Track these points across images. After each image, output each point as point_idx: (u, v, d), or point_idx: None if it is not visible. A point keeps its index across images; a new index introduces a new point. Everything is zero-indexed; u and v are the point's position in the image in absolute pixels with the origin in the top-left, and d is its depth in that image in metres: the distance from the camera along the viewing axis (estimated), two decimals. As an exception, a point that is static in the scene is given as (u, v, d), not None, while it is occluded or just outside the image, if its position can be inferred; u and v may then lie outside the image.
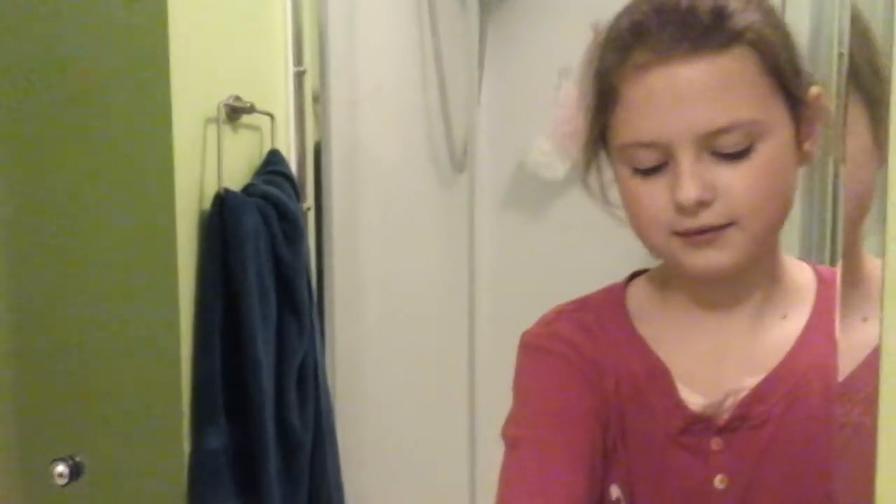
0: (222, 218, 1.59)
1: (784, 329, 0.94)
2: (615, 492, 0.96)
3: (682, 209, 0.86)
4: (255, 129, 1.72)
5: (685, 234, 0.88)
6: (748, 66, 0.84)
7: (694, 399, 0.94)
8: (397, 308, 2.13)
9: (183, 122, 1.50)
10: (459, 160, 2.34)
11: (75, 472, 1.50)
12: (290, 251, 1.70)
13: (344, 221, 1.91)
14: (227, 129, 1.63)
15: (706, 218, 0.86)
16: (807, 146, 0.89)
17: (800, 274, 0.98)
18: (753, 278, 0.94)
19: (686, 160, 0.85)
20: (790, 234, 1.24)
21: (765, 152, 0.85)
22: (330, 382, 1.83)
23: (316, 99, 1.86)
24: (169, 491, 1.57)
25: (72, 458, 1.50)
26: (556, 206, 2.35)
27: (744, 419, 0.92)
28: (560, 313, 1.04)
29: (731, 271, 0.89)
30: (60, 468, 1.49)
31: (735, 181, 0.85)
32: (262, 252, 1.64)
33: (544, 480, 0.93)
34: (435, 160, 2.28)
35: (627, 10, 0.89)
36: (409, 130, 2.19)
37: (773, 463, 0.91)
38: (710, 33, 0.84)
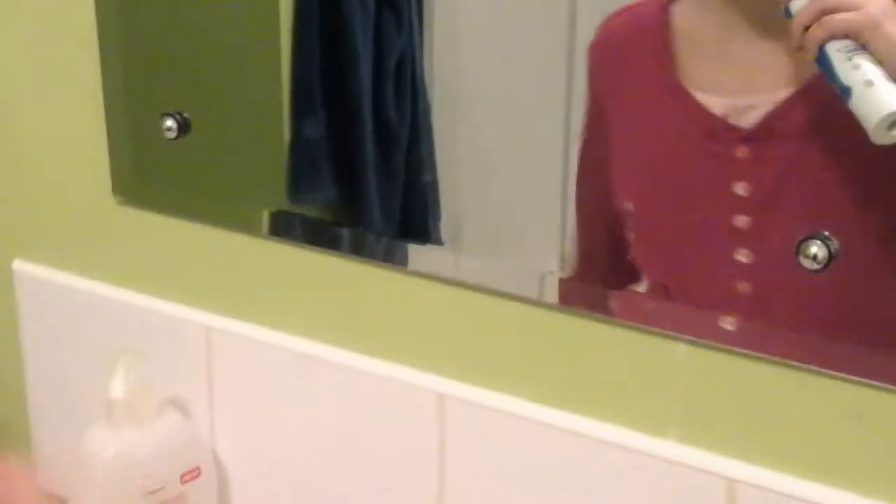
0: None
1: None
2: (630, 205, 0.98)
3: None
4: None
5: None
6: None
7: (717, 102, 0.92)
8: (497, 10, 2.09)
9: None
10: None
11: (183, 127, 1.55)
12: (392, -60, 1.66)
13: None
14: None
15: None
16: None
17: None
18: None
19: None
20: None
21: None
22: (427, 80, 1.82)
23: None
24: (271, 170, 1.62)
25: (180, 113, 1.54)
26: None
27: (771, 129, 0.89)
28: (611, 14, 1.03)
29: None
30: (169, 122, 1.57)
31: None
32: (363, -59, 1.60)
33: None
34: None
35: None
36: None
37: (799, 178, 0.89)
38: None
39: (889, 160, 0.81)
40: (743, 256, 0.92)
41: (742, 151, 0.90)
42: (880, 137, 0.74)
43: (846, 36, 0.76)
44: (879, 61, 0.75)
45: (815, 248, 0.85)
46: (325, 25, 1.61)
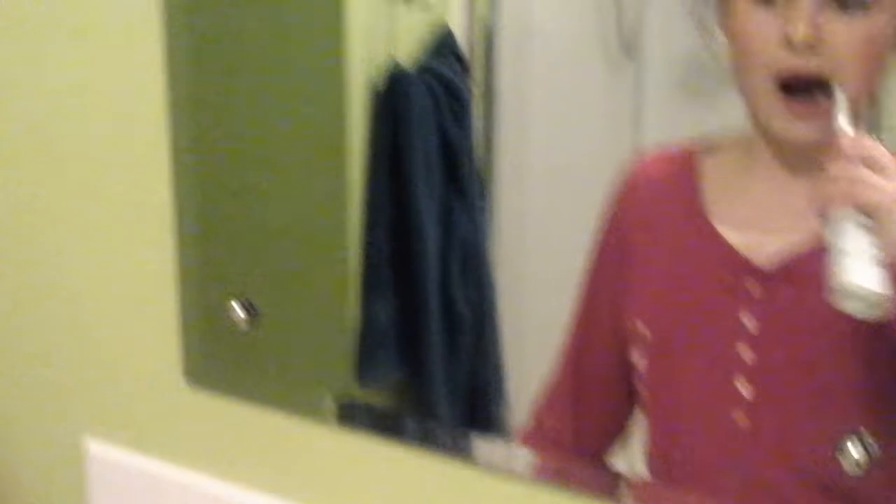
0: (392, 94, 1.61)
1: None
2: (640, 326, 1.01)
3: (790, 43, 0.88)
4: (429, 7, 1.72)
5: (787, 87, 0.89)
6: None
7: (737, 238, 0.97)
8: (561, 194, 2.12)
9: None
10: (629, 45, 2.29)
11: (252, 313, 1.62)
12: (458, 130, 1.71)
13: (512, 103, 1.89)
14: (401, 4, 1.63)
15: (813, 62, 0.88)
16: None
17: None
18: None
19: None
20: None
21: (881, 19, 0.86)
22: (494, 266, 1.85)
23: (491, -20, 1.83)
24: (338, 355, 1.64)
25: (249, 300, 1.62)
26: (727, 97, 2.27)
27: (789, 273, 0.92)
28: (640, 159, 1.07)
29: (814, 144, 0.90)
30: (239, 309, 1.61)
31: (848, 34, 0.86)
32: (430, 131, 1.66)
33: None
34: (605, 44, 2.23)
35: None
36: (580, 13, 2.14)
37: (805, 321, 0.91)
38: None
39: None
40: (741, 385, 0.95)
41: (752, 284, 0.94)
42: (838, 300, 0.77)
43: (857, 209, 0.79)
44: (880, 241, 0.76)
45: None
46: (393, 211, 1.64)
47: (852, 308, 0.77)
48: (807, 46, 0.86)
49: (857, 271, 0.77)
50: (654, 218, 1.04)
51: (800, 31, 0.85)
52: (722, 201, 1.00)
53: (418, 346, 1.69)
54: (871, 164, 0.80)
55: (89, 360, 1.75)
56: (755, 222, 0.97)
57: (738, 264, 0.95)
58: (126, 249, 1.69)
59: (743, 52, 0.91)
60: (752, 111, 0.94)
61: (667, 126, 2.42)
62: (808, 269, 0.91)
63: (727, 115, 2.27)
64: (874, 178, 0.79)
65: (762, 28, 0.89)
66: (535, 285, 2.05)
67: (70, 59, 1.65)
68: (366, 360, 1.65)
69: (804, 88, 0.89)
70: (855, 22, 0.86)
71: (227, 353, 1.65)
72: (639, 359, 1.02)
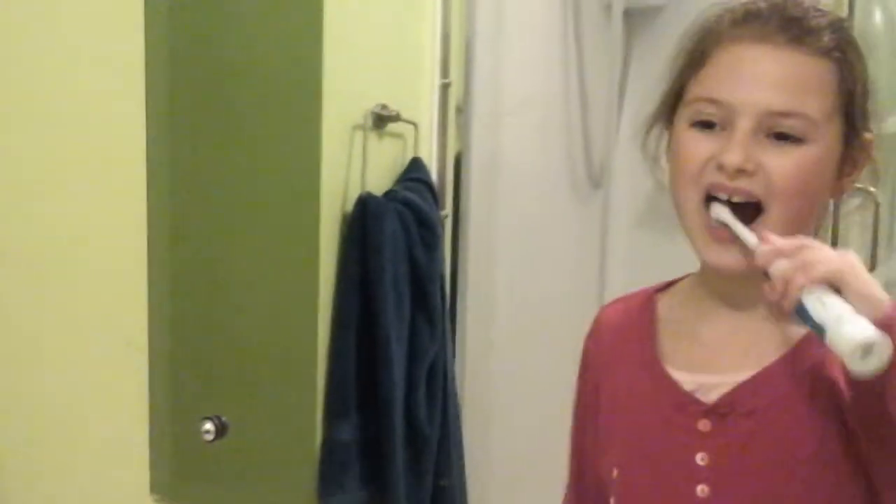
0: (363, 221, 1.67)
1: (790, 332, 0.96)
2: (615, 471, 1.03)
3: (723, 169, 0.93)
4: (398, 137, 1.79)
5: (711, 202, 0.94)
6: (827, 79, 0.93)
7: (687, 379, 0.99)
8: (528, 319, 2.16)
9: (331, 127, 1.60)
10: (597, 176, 2.37)
11: (221, 430, 1.63)
12: (427, 256, 1.77)
13: (480, 230, 1.97)
14: (372, 135, 1.71)
15: (742, 183, 0.93)
16: (844, 181, 0.97)
17: None
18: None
19: (743, 128, 0.92)
20: None
21: (812, 152, 0.92)
22: (458, 385, 1.89)
23: (459, 110, 1.92)
24: (302, 472, 1.66)
25: (219, 417, 1.64)
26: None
27: (732, 406, 0.96)
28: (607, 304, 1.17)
29: (743, 273, 0.94)
30: (208, 425, 1.64)
31: (779, 162, 0.91)
32: (400, 256, 1.71)
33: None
34: (573, 175, 2.31)
35: (744, 2, 1.00)
36: (548, 145, 2.23)
37: (753, 454, 0.94)
38: (810, 38, 0.93)
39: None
40: None
41: (703, 424, 0.96)
42: (857, 367, 0.80)
43: (823, 282, 0.82)
44: (854, 301, 0.81)
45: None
46: (362, 332, 1.68)
47: (872, 365, 0.79)
48: (739, 172, 0.92)
49: (854, 331, 0.80)
50: (616, 364, 1.10)
51: (734, 157, 0.91)
52: (674, 344, 1.04)
53: (382, 466, 1.71)
54: (805, 248, 0.86)
55: (58, 479, 1.75)
56: (705, 363, 1.01)
57: (690, 405, 0.99)
58: (102, 368, 1.72)
59: (680, 172, 0.98)
60: (693, 246, 1.00)
61: (632, 255, 2.49)
62: (753, 400, 0.95)
63: (689, 246, 2.35)
64: (817, 254, 0.85)
65: (700, 150, 0.96)
66: (500, 408, 2.09)
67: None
68: (328, 478, 1.67)
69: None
70: (788, 153, 0.92)
71: (193, 468, 1.67)
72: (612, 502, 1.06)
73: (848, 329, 0.79)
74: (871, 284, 0.83)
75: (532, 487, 2.11)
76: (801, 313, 0.83)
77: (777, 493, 0.94)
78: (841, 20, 0.98)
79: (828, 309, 0.82)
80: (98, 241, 1.69)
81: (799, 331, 0.95)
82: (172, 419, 1.65)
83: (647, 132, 1.06)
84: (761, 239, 0.89)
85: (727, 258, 0.95)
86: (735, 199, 0.93)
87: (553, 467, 2.25)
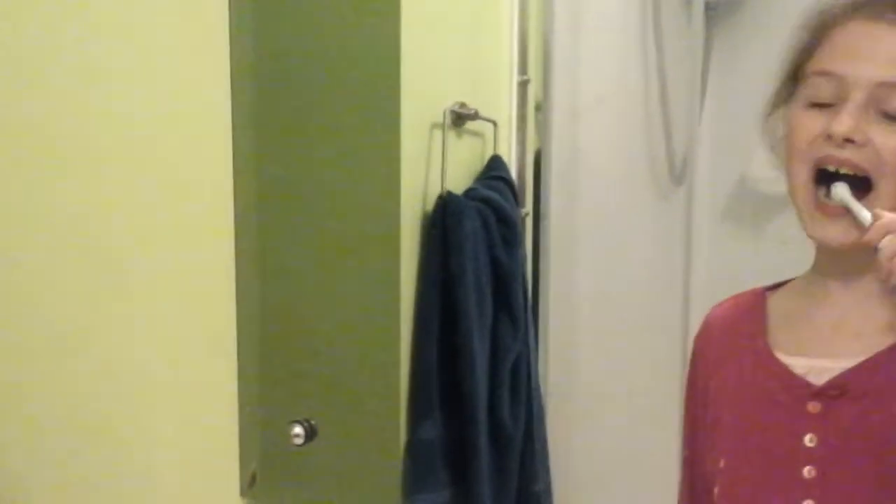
0: (444, 220, 1.67)
1: None
2: (722, 461, 1.03)
3: (831, 137, 0.94)
4: (477, 135, 1.79)
5: (820, 180, 0.95)
6: None
7: (799, 363, 0.99)
8: (610, 316, 2.15)
9: (410, 127, 1.59)
10: (678, 172, 2.33)
11: (310, 433, 1.65)
12: (508, 254, 1.76)
13: (561, 228, 1.95)
14: (451, 134, 1.71)
15: (850, 153, 0.94)
16: None
17: None
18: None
19: (855, 100, 0.93)
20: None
21: None
22: (541, 384, 1.87)
23: (538, 107, 1.91)
24: (388, 473, 1.66)
25: (308, 420, 1.65)
26: (776, 222, 2.29)
27: (843, 389, 0.95)
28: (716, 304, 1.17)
29: (851, 246, 0.95)
30: (298, 429, 1.64)
31: (889, 139, 0.92)
32: (481, 254, 1.71)
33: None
34: (654, 171, 2.29)
35: None
36: (629, 140, 2.20)
37: (864, 437, 0.94)
38: None
39: None
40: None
41: (813, 406, 0.97)
42: None
43: None
44: None
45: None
46: (444, 333, 1.68)
47: None
48: (846, 141, 0.93)
49: None
50: (726, 358, 1.11)
51: (843, 125, 0.92)
52: (785, 332, 1.04)
53: (466, 466, 1.71)
54: None
55: (151, 486, 1.78)
56: (817, 347, 1.02)
57: (799, 388, 0.99)
58: (191, 376, 1.74)
59: (794, 149, 0.99)
60: (801, 222, 1.00)
61: (715, 251, 2.45)
62: (865, 383, 0.95)
63: (773, 241, 2.31)
64: None
65: (811, 126, 0.97)
66: (583, 407, 2.07)
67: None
68: (413, 478, 1.67)
69: (832, 179, 0.95)
70: (894, 128, 0.92)
71: (283, 471, 1.68)
72: (716, 492, 1.06)
73: None
74: None
75: (616, 489, 2.09)
76: None
77: (884, 477, 0.92)
78: None
79: None
80: (187, 245, 1.71)
81: None
82: (262, 423, 1.66)
83: (767, 117, 1.07)
84: (874, 216, 0.90)
85: (833, 231, 0.96)
86: (843, 171, 0.94)
87: (638, 469, 2.23)
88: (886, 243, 0.86)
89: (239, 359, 1.67)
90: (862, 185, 0.94)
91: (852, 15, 0.97)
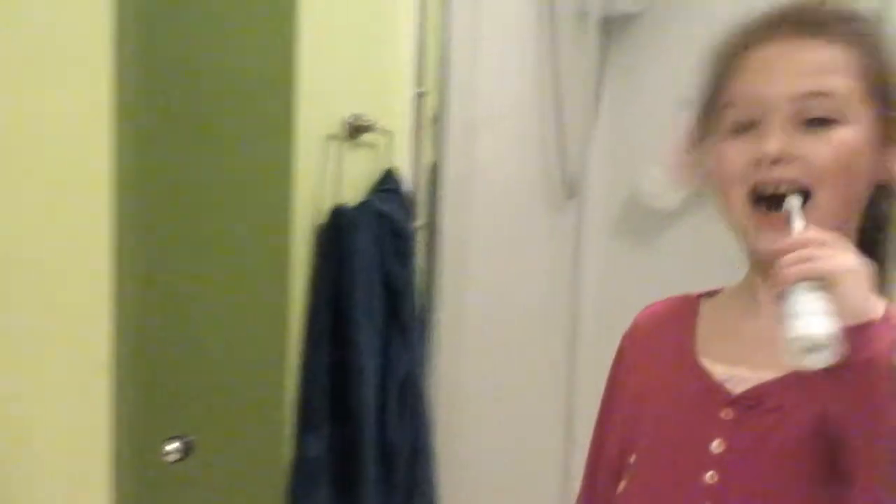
0: (336, 232, 1.64)
1: None
2: (633, 457, 1.05)
3: (760, 161, 0.95)
4: (373, 147, 1.77)
5: (758, 202, 0.95)
6: (849, 60, 0.95)
7: (718, 370, 1.00)
8: (501, 330, 2.15)
9: (305, 137, 1.57)
10: (571, 186, 2.36)
11: (187, 450, 1.58)
12: (400, 268, 1.75)
13: (454, 241, 1.95)
14: (346, 145, 1.69)
15: (782, 171, 0.94)
16: (889, 161, 0.98)
17: None
18: None
19: (776, 118, 0.94)
20: None
21: (847, 132, 0.94)
22: (431, 397, 1.87)
23: (435, 120, 1.90)
24: (271, 489, 1.63)
25: (184, 437, 1.59)
26: (666, 237, 2.33)
27: (759, 400, 0.97)
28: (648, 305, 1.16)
29: None
30: (173, 446, 1.58)
31: (815, 148, 0.93)
32: (373, 267, 1.69)
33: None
34: (547, 185, 2.30)
35: (762, 13, 1.03)
36: (523, 154, 2.21)
37: (769, 449, 0.95)
38: (826, 28, 0.96)
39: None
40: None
41: (726, 413, 0.98)
42: (793, 359, 0.81)
43: (816, 278, 0.83)
44: (839, 305, 0.82)
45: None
46: (334, 345, 1.65)
47: (809, 361, 0.81)
48: (777, 161, 0.94)
49: (805, 325, 0.81)
50: (650, 356, 1.13)
51: (770, 147, 0.93)
52: (712, 339, 1.05)
53: (354, 481, 1.69)
54: (819, 244, 0.86)
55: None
56: (741, 358, 1.01)
57: (716, 394, 0.99)
58: (65, 390, 1.68)
59: (726, 178, 0.99)
60: (738, 237, 1.01)
61: (606, 265, 2.49)
62: (781, 396, 0.96)
63: (664, 255, 2.35)
64: (823, 251, 0.85)
65: (738, 155, 0.97)
66: (471, 421, 2.07)
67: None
68: (299, 493, 1.64)
69: (772, 201, 0.95)
70: (823, 136, 0.93)
71: (156, 491, 1.63)
72: (622, 486, 1.07)
73: (799, 322, 0.81)
74: (864, 297, 0.83)
75: (503, 499, 2.10)
76: (782, 300, 0.84)
77: (782, 490, 0.94)
78: (857, 11, 1.00)
79: (801, 303, 0.83)
80: (62, 257, 1.63)
81: None
82: (138, 441, 1.60)
83: (688, 153, 1.07)
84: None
85: (772, 241, 0.96)
86: (782, 190, 0.95)
87: (525, 479, 2.25)
88: (791, 253, 0.86)
89: (113, 377, 1.61)
90: (804, 196, 0.96)
91: (756, 40, 0.99)
